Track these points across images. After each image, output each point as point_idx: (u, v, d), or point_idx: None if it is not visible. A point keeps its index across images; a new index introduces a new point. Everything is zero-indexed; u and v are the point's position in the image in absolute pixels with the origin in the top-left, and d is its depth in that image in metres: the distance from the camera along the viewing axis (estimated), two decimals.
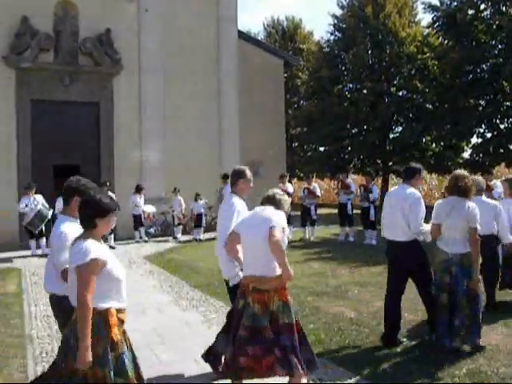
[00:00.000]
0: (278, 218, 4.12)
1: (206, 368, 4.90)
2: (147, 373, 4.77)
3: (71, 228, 3.75)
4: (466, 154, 23.92)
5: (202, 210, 15.27)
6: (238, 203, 4.87)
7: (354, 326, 6.19)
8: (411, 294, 5.94)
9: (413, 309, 6.64)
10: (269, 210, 4.21)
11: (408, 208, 5.34)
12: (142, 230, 14.90)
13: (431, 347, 5.28)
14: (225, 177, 15.45)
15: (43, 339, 5.96)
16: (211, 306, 7.30)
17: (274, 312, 4.02)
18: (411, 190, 5.50)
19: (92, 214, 3.34)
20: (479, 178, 7.03)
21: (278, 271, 4.01)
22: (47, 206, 12.62)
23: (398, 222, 5.41)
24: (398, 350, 5.31)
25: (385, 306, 5.65)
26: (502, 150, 20.59)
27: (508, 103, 20.56)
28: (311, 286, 8.41)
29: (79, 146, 15.66)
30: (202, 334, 6.00)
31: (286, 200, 4.44)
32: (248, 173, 5.09)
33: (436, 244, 5.40)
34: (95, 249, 3.22)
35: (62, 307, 3.76)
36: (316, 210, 14.86)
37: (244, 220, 4.39)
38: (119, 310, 3.35)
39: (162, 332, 6.11)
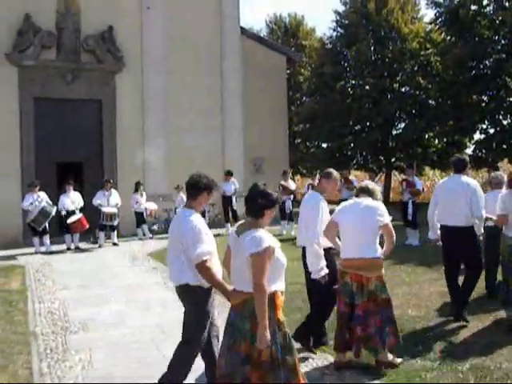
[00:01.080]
0: (381, 206, 4.83)
1: None
2: (152, 369, 4.81)
3: (199, 220, 4.08)
4: (469, 150, 23.87)
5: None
6: (319, 198, 5.22)
7: None
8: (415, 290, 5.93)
9: (417, 305, 6.66)
10: (369, 201, 4.84)
11: (471, 195, 5.88)
12: (145, 227, 14.91)
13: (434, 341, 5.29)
14: (228, 173, 15.50)
15: (47, 336, 5.99)
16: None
17: (371, 291, 4.65)
18: (467, 178, 6.06)
19: (263, 206, 3.65)
20: (498, 173, 7.49)
21: (378, 253, 4.71)
22: (51, 203, 12.65)
23: (461, 208, 5.89)
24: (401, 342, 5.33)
25: (449, 288, 6.27)
26: (504, 146, 20.52)
27: (511, 99, 20.49)
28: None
29: (82, 144, 15.68)
30: None
31: (378, 189, 5.06)
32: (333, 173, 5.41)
33: (502, 232, 5.96)
34: (267, 237, 3.49)
35: (194, 296, 4.09)
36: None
37: (343, 210, 4.94)
38: (282, 293, 3.65)
39: (166, 328, 6.13)
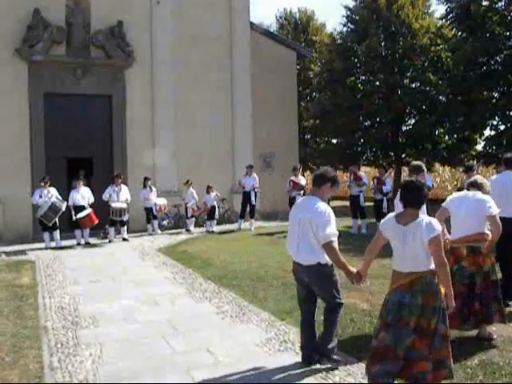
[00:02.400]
0: (490, 199, 5.35)
1: (220, 358, 4.93)
2: (162, 363, 4.83)
3: (327, 206, 4.65)
4: (479, 147, 23.72)
5: (215, 203, 15.29)
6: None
7: (367, 317, 6.18)
8: None
9: None
10: (480, 194, 5.39)
11: None
12: (155, 222, 14.96)
13: None
14: (250, 167, 15.49)
15: (58, 330, 6.01)
16: (224, 297, 7.32)
17: (486, 272, 5.22)
18: None
19: (425, 197, 4.13)
20: None
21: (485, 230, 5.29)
22: (61, 198, 12.70)
23: None
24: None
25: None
26: None
27: None
28: None
29: (92, 139, 15.75)
30: (216, 325, 6.03)
31: (487, 183, 5.55)
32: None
33: None
34: (437, 223, 4.00)
35: (325, 273, 4.61)
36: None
37: (455, 200, 5.51)
38: None
39: (176, 323, 6.14)
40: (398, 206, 5.39)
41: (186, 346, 5.33)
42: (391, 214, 4.31)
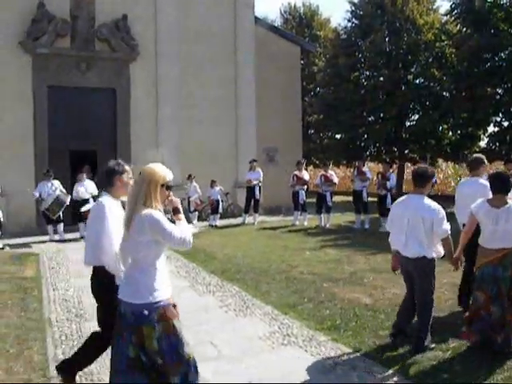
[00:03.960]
0: None
1: (223, 351, 4.96)
2: None
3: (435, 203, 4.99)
4: (483, 143, 23.66)
5: (219, 197, 15.32)
6: None
7: (370, 311, 6.20)
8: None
9: None
10: None
11: None
12: None
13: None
14: (254, 161, 15.50)
15: (62, 323, 6.05)
16: (228, 291, 7.35)
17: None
18: None
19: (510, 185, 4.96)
20: None
21: None
22: (65, 191, 12.73)
23: None
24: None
25: None
26: None
27: None
28: (327, 273, 8.43)
29: (96, 132, 15.77)
30: (219, 319, 6.06)
31: None
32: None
33: None
34: None
35: (429, 266, 4.94)
36: (332, 197, 14.83)
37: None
38: None
39: (180, 317, 6.14)
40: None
41: (189, 338, 5.32)
42: (483, 199, 5.05)
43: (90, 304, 6.71)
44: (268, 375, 4.42)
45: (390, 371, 4.49)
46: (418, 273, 4.95)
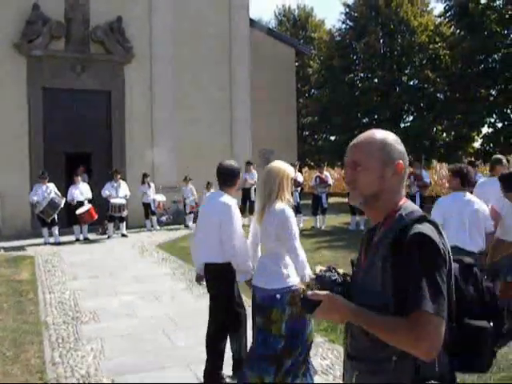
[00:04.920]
0: None
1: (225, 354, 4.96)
2: (164, 358, 4.86)
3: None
4: (477, 144, 23.78)
5: None
6: None
7: None
8: None
9: None
10: None
11: None
12: (154, 218, 14.97)
13: None
14: (249, 163, 15.53)
15: (59, 326, 6.04)
16: None
17: None
18: None
19: None
20: None
21: None
22: (60, 194, 12.68)
23: None
24: None
25: None
26: None
27: None
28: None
29: (91, 135, 15.73)
30: None
31: None
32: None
33: None
34: None
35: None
36: (327, 199, 14.88)
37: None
38: None
39: (177, 318, 6.17)
40: None
41: (186, 341, 5.37)
42: (501, 197, 5.20)
43: (86, 307, 6.74)
44: None
45: None
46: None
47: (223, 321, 4.26)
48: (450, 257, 1.75)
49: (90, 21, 15.49)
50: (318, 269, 1.87)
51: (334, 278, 1.82)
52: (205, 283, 4.39)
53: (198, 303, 6.88)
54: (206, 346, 4.27)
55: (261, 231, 3.75)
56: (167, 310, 6.54)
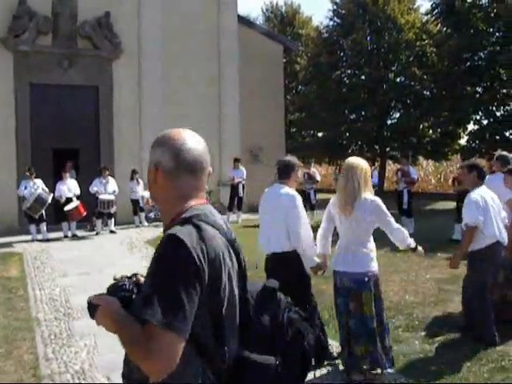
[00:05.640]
0: None
1: None
2: None
3: None
4: (463, 141, 24.01)
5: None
6: None
7: None
8: None
9: (414, 291, 6.73)
10: None
11: None
12: (142, 214, 14.94)
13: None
14: (237, 160, 15.55)
15: (51, 322, 6.04)
16: None
17: None
18: None
19: None
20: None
21: None
22: (47, 190, 12.60)
23: None
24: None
25: None
26: (497, 137, 20.68)
27: (504, 91, 20.62)
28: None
29: (78, 130, 15.64)
30: None
31: None
32: None
33: None
34: None
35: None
36: (315, 195, 14.95)
37: None
38: None
39: None
40: None
41: None
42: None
43: (78, 303, 6.73)
44: None
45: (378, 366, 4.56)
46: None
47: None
48: (221, 267, 1.54)
49: (77, 16, 15.37)
50: (119, 275, 1.78)
51: (121, 283, 1.70)
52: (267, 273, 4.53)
53: None
54: None
55: (349, 220, 4.06)
56: None
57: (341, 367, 4.40)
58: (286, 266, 4.34)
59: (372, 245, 4.15)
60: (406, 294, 6.75)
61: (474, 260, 5.06)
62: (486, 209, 4.97)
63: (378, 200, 4.08)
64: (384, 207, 4.09)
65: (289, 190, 4.47)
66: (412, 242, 4.20)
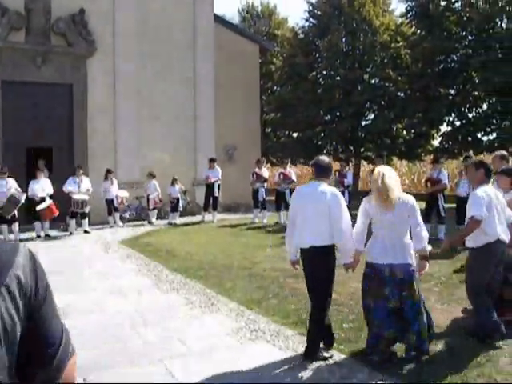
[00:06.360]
0: None
1: (192, 347, 4.97)
2: (135, 354, 4.83)
3: None
4: (436, 142, 24.37)
5: (179, 195, 15.26)
6: None
7: (334, 306, 6.27)
8: None
9: None
10: None
11: None
12: (117, 214, 14.78)
13: None
14: (212, 160, 15.46)
15: None
16: (192, 288, 7.34)
17: None
18: None
19: None
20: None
21: None
22: (20, 190, 12.34)
23: None
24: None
25: None
26: (470, 138, 21.06)
27: (476, 93, 21.00)
28: (289, 269, 8.47)
29: (52, 129, 15.40)
30: (185, 316, 6.06)
31: None
32: None
33: None
34: None
35: None
36: (291, 195, 14.97)
37: None
38: None
39: (145, 314, 6.13)
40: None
41: (157, 336, 5.35)
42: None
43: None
44: (239, 370, 4.45)
45: (357, 363, 4.60)
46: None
47: (326, 300, 4.74)
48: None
49: (51, 12, 15.13)
50: None
51: None
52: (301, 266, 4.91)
53: (165, 299, 6.86)
54: (315, 325, 4.69)
55: (392, 216, 4.48)
56: (135, 306, 6.49)
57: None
58: (322, 259, 4.69)
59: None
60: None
61: (474, 258, 5.09)
62: (490, 206, 5.00)
63: (413, 199, 4.61)
64: (417, 206, 4.64)
65: (332, 188, 4.83)
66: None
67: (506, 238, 5.10)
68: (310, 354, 4.63)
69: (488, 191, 5.09)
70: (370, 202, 4.64)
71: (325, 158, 5.12)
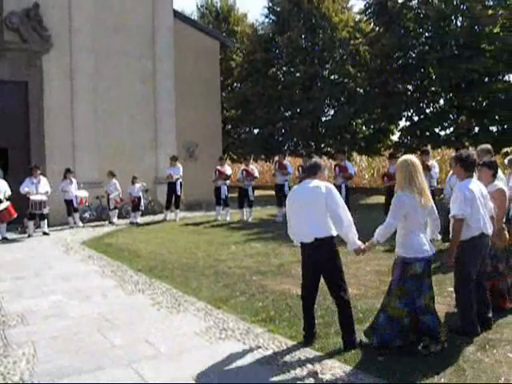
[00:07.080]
0: None
1: (161, 349, 4.87)
2: (103, 357, 4.69)
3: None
4: (395, 137, 24.75)
5: (140, 194, 15.01)
6: None
7: (301, 302, 6.29)
8: None
9: (356, 284, 6.82)
10: None
11: None
12: (76, 215, 14.44)
13: None
14: (174, 158, 15.25)
15: None
16: (157, 288, 7.21)
17: None
18: None
19: None
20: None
21: None
22: None
23: None
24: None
25: None
26: (428, 133, 21.46)
27: (433, 88, 21.40)
28: (255, 266, 8.50)
29: (6, 128, 14.94)
30: (152, 317, 5.93)
31: None
32: None
33: None
34: None
35: None
36: (253, 192, 14.96)
37: None
38: None
39: (111, 317, 5.97)
40: None
41: (124, 339, 5.21)
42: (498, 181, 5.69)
43: (13, 310, 6.38)
44: (210, 370, 4.38)
45: (328, 358, 4.58)
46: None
47: (342, 292, 4.95)
48: None
49: (3, 6, 14.64)
50: None
51: None
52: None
53: (131, 301, 6.71)
54: (345, 307, 4.93)
55: (429, 208, 4.76)
56: (100, 308, 6.33)
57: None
58: (329, 249, 4.86)
59: None
60: (348, 287, 6.82)
61: (459, 251, 5.13)
62: (473, 200, 5.04)
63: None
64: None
65: (320, 182, 4.92)
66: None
67: (489, 230, 5.19)
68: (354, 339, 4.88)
69: (471, 186, 5.12)
70: (410, 198, 4.66)
71: (313, 159, 5.31)
